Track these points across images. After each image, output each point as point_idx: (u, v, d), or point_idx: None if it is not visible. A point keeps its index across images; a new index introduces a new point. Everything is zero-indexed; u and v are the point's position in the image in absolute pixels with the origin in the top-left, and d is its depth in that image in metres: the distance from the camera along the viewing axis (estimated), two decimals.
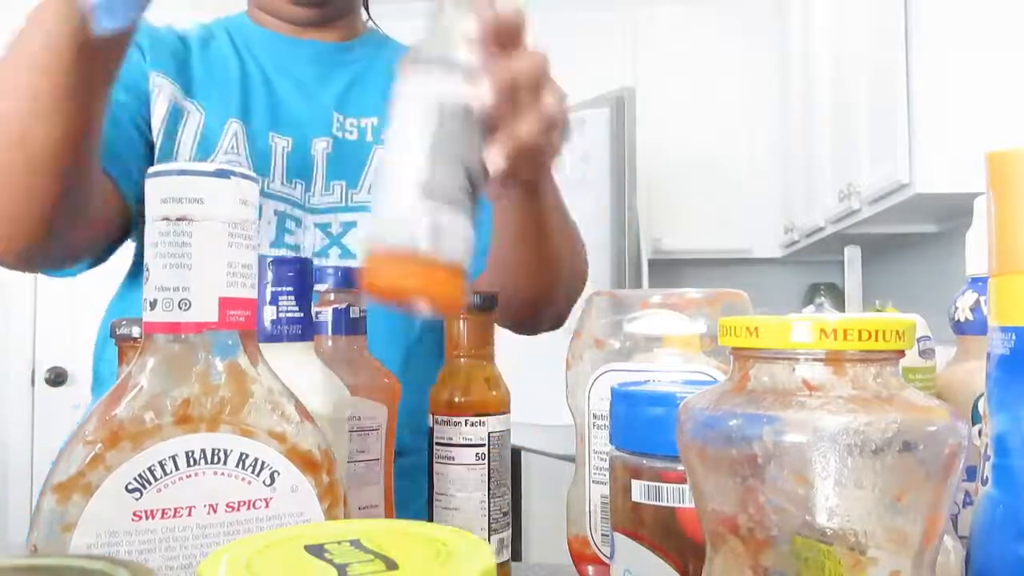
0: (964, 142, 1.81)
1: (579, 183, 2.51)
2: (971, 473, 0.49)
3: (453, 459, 0.59)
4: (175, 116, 0.85)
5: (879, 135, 2.12)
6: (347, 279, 0.58)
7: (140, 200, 0.78)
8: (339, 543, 0.30)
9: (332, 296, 0.57)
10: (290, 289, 0.49)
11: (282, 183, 0.86)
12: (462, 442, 0.59)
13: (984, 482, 0.39)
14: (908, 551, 0.31)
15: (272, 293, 0.49)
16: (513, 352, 2.93)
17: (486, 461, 0.60)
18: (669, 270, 3.76)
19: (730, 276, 3.88)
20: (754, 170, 3.64)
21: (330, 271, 0.57)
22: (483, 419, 0.59)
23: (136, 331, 0.47)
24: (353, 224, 0.87)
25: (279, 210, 0.85)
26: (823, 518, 0.31)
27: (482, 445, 0.59)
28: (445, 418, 0.59)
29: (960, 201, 1.92)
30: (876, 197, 2.18)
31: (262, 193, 0.82)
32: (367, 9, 1.04)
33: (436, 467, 0.60)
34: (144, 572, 0.30)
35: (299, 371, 0.49)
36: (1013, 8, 1.82)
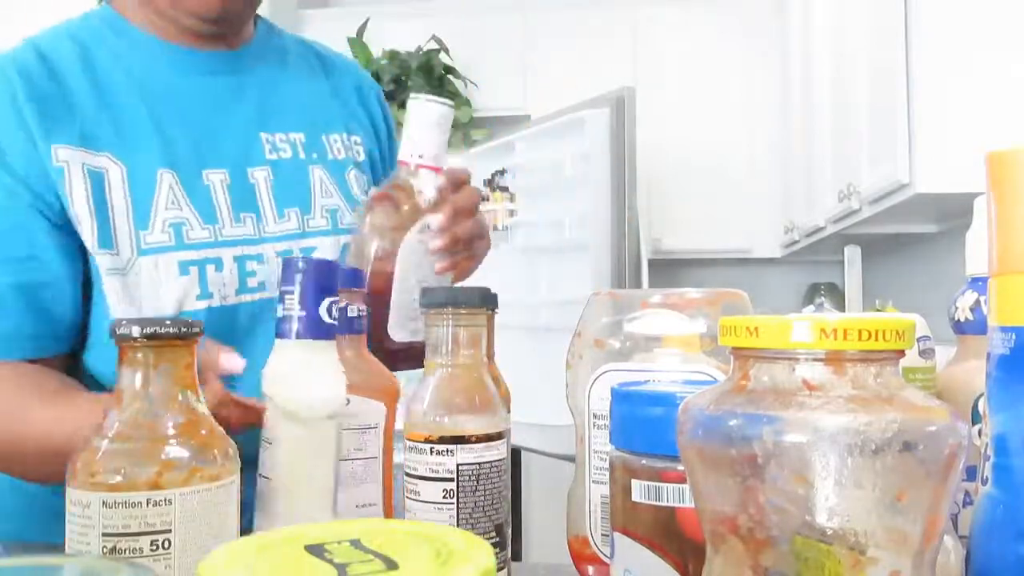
0: (964, 142, 1.80)
1: (579, 182, 2.51)
2: (971, 473, 0.49)
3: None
4: (95, 181, 0.77)
5: (879, 135, 2.12)
6: (347, 278, 0.57)
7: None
8: (339, 543, 0.30)
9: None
10: (291, 288, 0.49)
11: (232, 225, 0.81)
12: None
13: (984, 482, 0.39)
14: (908, 551, 0.31)
15: (280, 292, 0.50)
16: (514, 351, 2.93)
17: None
18: (669, 270, 3.76)
19: (730, 276, 3.88)
20: (754, 170, 3.64)
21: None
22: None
23: (136, 331, 0.47)
24: (313, 248, 0.86)
25: (238, 254, 0.81)
26: (823, 518, 0.31)
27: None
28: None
29: (960, 201, 1.92)
30: (876, 197, 2.18)
31: (217, 243, 0.80)
32: None
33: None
34: (145, 572, 0.30)
35: (296, 369, 0.49)
36: (1013, 8, 1.82)
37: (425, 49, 3.62)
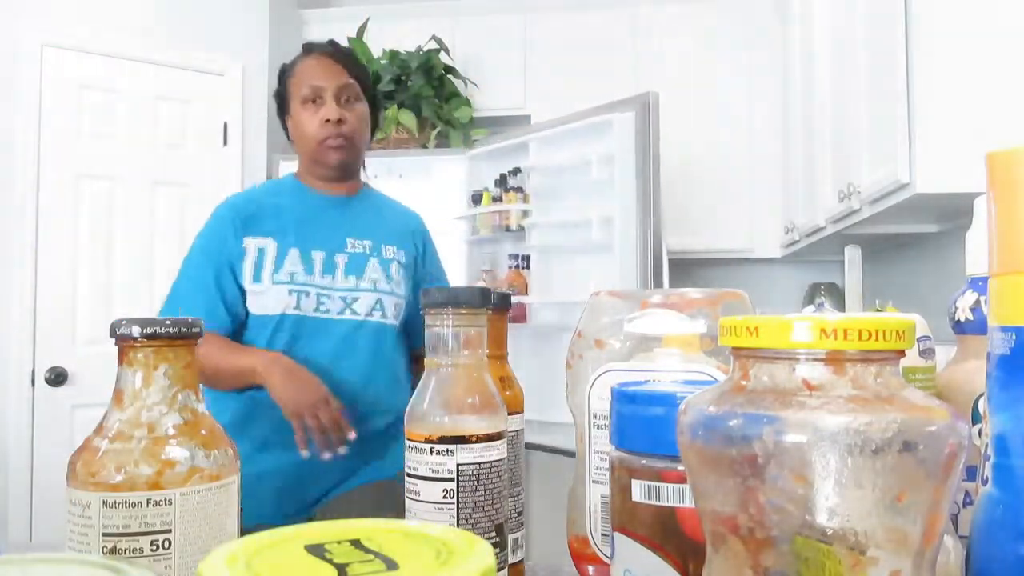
0: (964, 142, 1.81)
1: (605, 184, 2.52)
2: (971, 473, 0.49)
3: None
4: (261, 251, 1.53)
5: (879, 135, 2.12)
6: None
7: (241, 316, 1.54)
8: (339, 543, 0.30)
9: None
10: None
11: (320, 277, 1.54)
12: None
13: (984, 482, 0.39)
14: (908, 551, 0.31)
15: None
16: (541, 349, 2.92)
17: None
18: (671, 270, 3.75)
19: (730, 276, 3.88)
20: (754, 170, 3.64)
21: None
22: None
23: (136, 331, 0.47)
24: (358, 298, 1.56)
25: (319, 292, 1.53)
26: (823, 518, 0.31)
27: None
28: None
29: (960, 201, 1.92)
30: (876, 197, 2.18)
31: (310, 285, 1.53)
32: (364, 172, 1.72)
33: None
34: (146, 571, 0.30)
35: None
36: (1013, 8, 1.82)
37: (425, 49, 3.62)
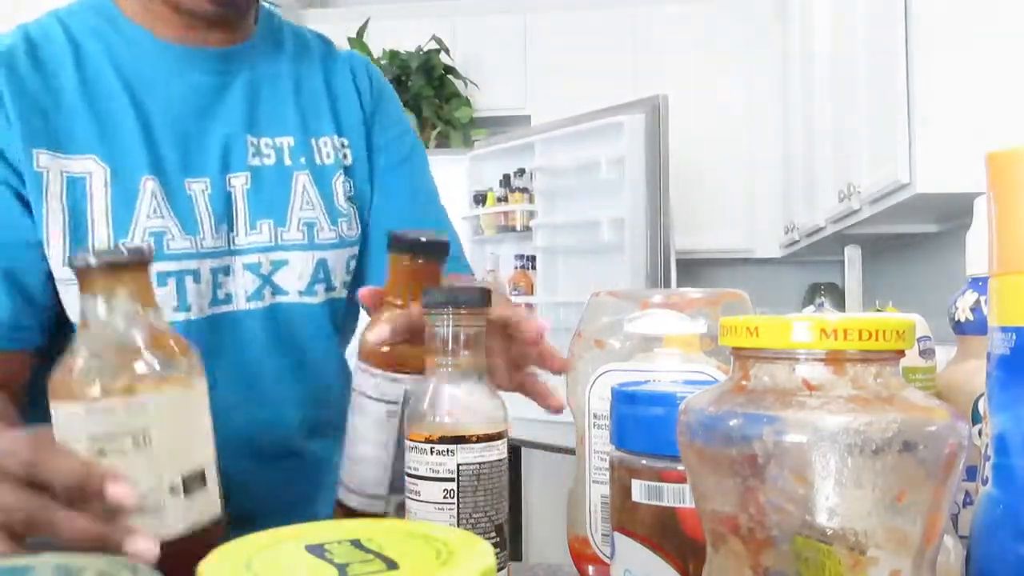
0: (964, 142, 1.80)
1: (615, 185, 2.53)
2: (971, 473, 0.49)
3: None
4: (74, 187, 0.75)
5: (879, 135, 2.12)
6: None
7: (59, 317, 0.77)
8: (339, 543, 0.30)
9: None
10: None
11: (212, 238, 0.79)
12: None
13: (984, 482, 0.39)
14: (908, 551, 0.31)
15: None
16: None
17: None
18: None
19: (730, 276, 3.88)
20: (754, 170, 3.64)
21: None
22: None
23: (94, 261, 0.50)
24: (284, 262, 0.82)
25: (214, 266, 0.79)
26: (823, 518, 0.31)
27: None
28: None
29: (960, 201, 1.92)
30: (876, 197, 2.18)
31: (197, 255, 0.78)
32: None
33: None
34: (146, 572, 0.30)
35: None
36: (1013, 8, 1.82)
37: (425, 49, 3.62)
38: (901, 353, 0.33)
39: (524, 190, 2.87)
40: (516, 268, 2.88)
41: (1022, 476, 0.37)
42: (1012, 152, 0.38)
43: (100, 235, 0.75)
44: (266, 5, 0.90)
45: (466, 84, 3.73)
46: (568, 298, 2.67)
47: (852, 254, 2.90)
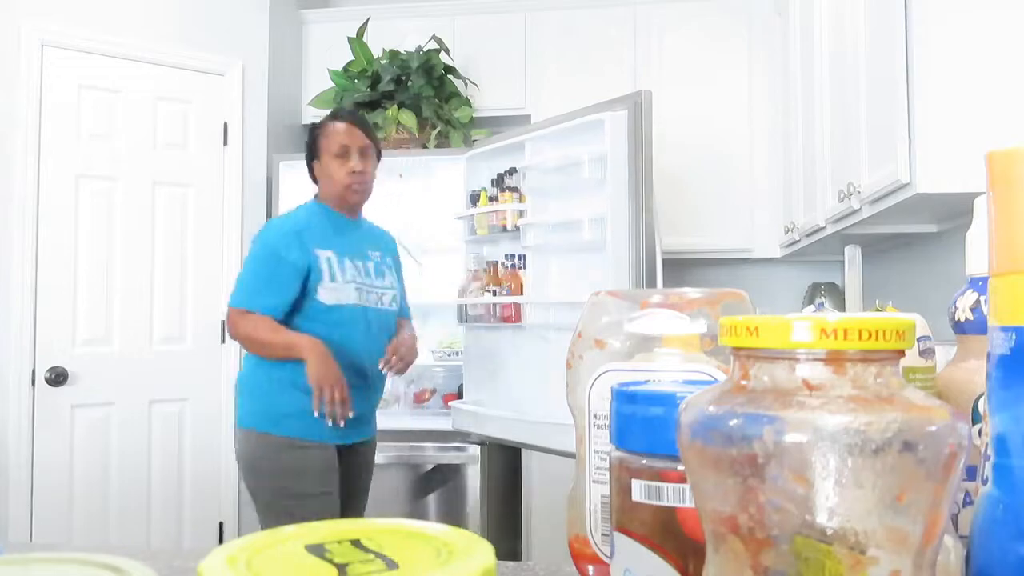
0: (964, 142, 1.80)
1: (597, 183, 2.52)
2: (971, 473, 0.49)
3: None
4: (328, 260, 2.21)
5: (879, 135, 2.12)
6: None
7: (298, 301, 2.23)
8: (339, 543, 0.30)
9: None
10: None
11: (363, 276, 2.27)
12: None
13: (984, 482, 0.39)
14: (908, 551, 0.31)
15: None
16: (531, 350, 2.93)
17: None
18: (669, 270, 3.75)
19: (730, 276, 3.88)
20: (754, 170, 3.63)
21: None
22: None
23: None
24: (385, 292, 2.33)
25: (368, 289, 2.28)
26: (823, 518, 0.31)
27: None
28: None
29: (960, 201, 1.92)
30: (876, 197, 2.18)
31: (355, 282, 2.24)
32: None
33: None
34: (145, 572, 0.30)
35: None
36: (1013, 8, 1.82)
37: (425, 49, 3.62)
38: (901, 353, 0.33)
39: (515, 189, 2.87)
40: (507, 268, 2.87)
41: (1022, 476, 0.37)
42: (1012, 152, 0.38)
43: (336, 273, 2.22)
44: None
45: (466, 84, 3.73)
46: (559, 297, 2.66)
47: (852, 254, 2.90)
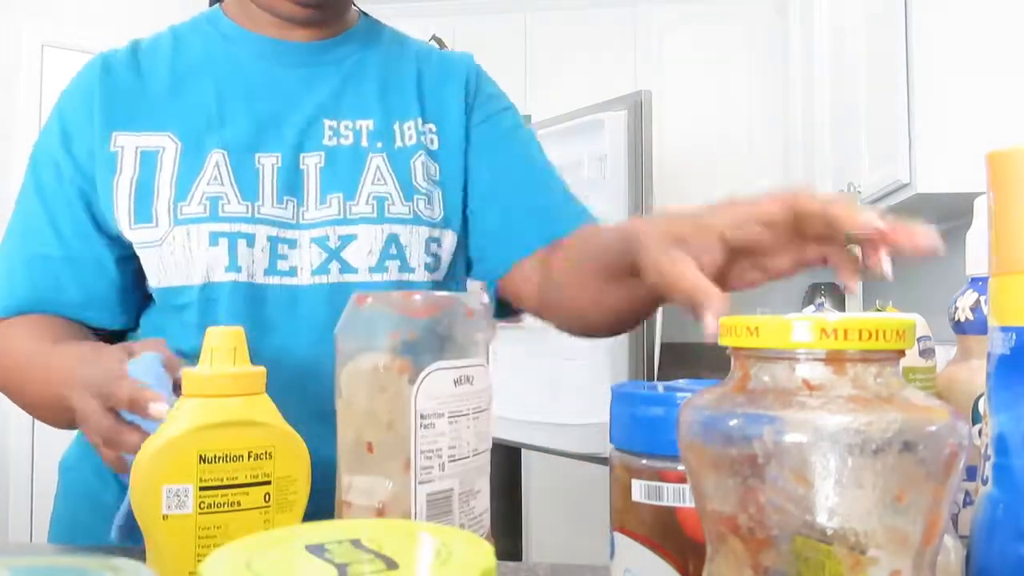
0: (964, 142, 1.80)
1: (596, 183, 2.52)
2: (971, 473, 0.49)
3: None
4: (147, 160, 0.82)
5: (879, 135, 2.12)
6: None
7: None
8: (339, 543, 0.30)
9: None
10: None
11: (273, 205, 0.82)
12: None
13: (984, 482, 0.39)
14: (908, 551, 0.31)
15: None
16: (527, 351, 2.92)
17: None
18: None
19: None
20: (755, 170, 3.63)
21: None
22: None
23: None
24: (353, 237, 0.83)
25: (271, 234, 0.82)
26: (823, 518, 0.31)
27: None
28: None
29: (960, 201, 1.92)
30: (876, 197, 2.18)
31: (252, 219, 0.81)
32: None
33: None
34: (145, 572, 0.30)
35: None
36: (1013, 8, 1.82)
37: None
38: (901, 353, 0.33)
39: None
40: None
41: (1022, 476, 0.37)
42: (1012, 152, 0.38)
43: (163, 202, 0.81)
44: (369, 17, 0.96)
45: None
46: None
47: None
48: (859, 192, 2.30)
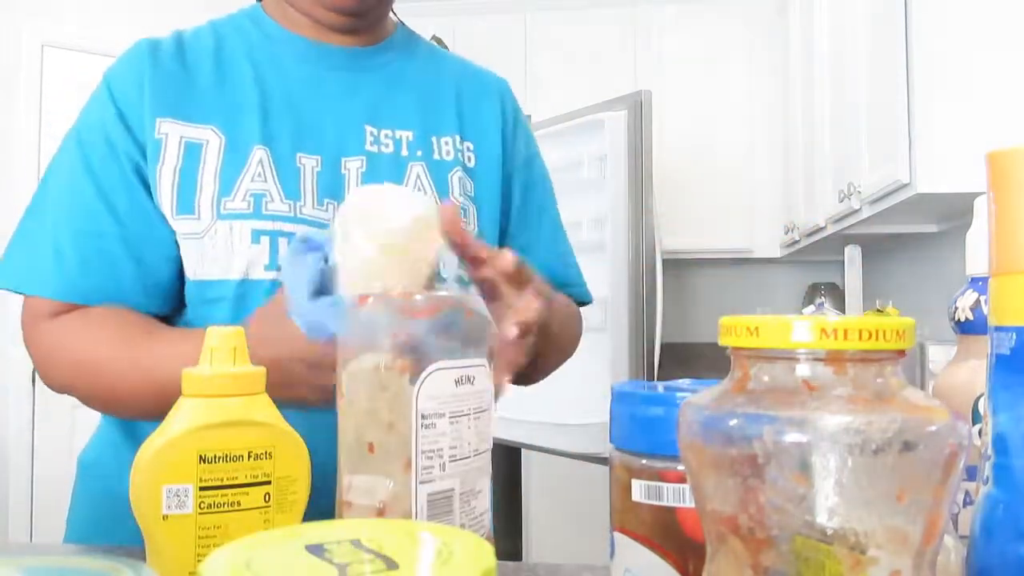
0: (964, 142, 1.81)
1: (596, 184, 2.52)
2: (971, 473, 0.49)
3: None
4: (191, 152, 0.82)
5: (879, 135, 2.12)
6: None
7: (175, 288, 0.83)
8: (339, 543, 0.30)
9: None
10: None
11: (314, 206, 0.83)
12: None
13: (984, 482, 0.39)
14: (908, 551, 0.31)
15: None
16: None
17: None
18: (669, 270, 3.76)
19: (730, 276, 3.88)
20: (754, 171, 3.64)
21: None
22: None
23: None
24: None
25: None
26: (823, 518, 0.31)
27: None
28: None
29: (960, 201, 1.92)
30: (876, 197, 2.18)
31: (294, 219, 0.81)
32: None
33: None
34: (145, 572, 0.30)
35: None
36: (1013, 8, 1.82)
37: None
38: (901, 353, 0.33)
39: None
40: None
41: (1022, 476, 0.37)
42: (1012, 152, 0.38)
43: (206, 195, 0.81)
44: (405, 26, 1.00)
45: None
46: None
47: (852, 254, 2.90)
48: (859, 192, 2.30)
